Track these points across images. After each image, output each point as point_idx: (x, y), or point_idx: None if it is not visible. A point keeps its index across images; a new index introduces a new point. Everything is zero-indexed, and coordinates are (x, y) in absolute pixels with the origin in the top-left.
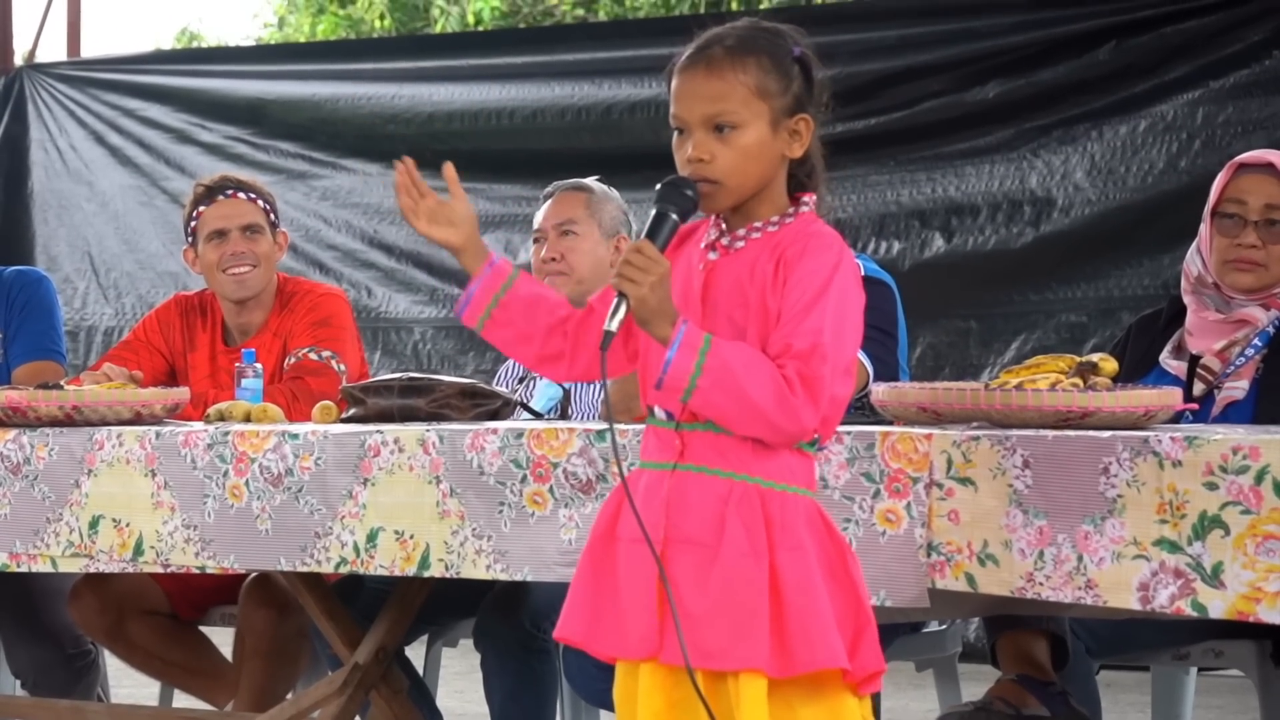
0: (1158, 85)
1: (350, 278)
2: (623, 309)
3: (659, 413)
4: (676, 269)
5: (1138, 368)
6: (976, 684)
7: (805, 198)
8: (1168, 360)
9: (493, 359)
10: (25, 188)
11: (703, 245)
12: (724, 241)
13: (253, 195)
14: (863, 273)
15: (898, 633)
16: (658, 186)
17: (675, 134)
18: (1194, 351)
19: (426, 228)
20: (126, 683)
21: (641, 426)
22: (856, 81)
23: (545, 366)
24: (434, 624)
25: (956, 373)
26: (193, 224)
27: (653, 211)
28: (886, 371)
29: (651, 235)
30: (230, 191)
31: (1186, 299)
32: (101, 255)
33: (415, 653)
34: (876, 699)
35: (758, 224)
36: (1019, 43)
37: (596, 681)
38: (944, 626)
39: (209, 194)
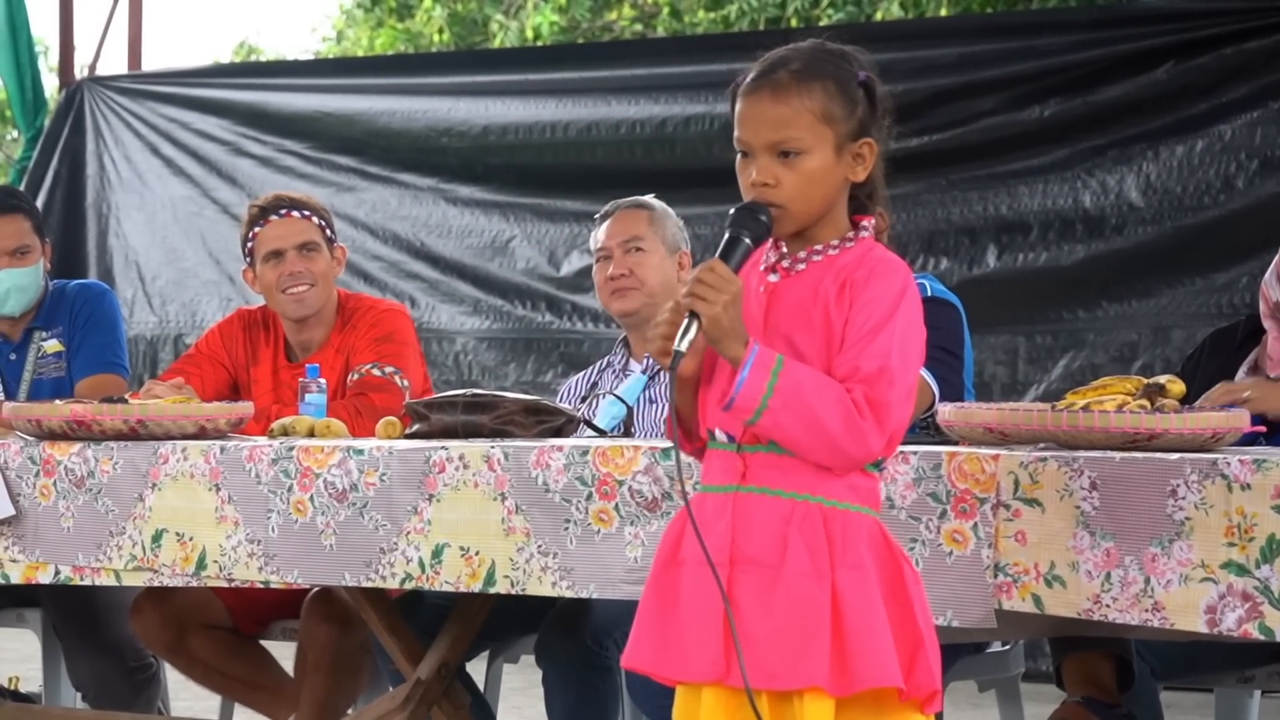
0: (1216, 106)
1: (395, 288)
2: (694, 329)
3: (720, 435)
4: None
5: (1212, 384)
6: (1038, 705)
7: (865, 221)
8: (1244, 380)
9: (534, 370)
10: (83, 199)
11: (762, 268)
12: (784, 264)
13: (307, 213)
14: (929, 293)
15: (961, 653)
16: (731, 210)
17: (740, 156)
18: (1272, 375)
19: (663, 355)
20: (186, 696)
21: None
22: (912, 99)
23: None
24: (495, 640)
25: (1004, 390)
26: (250, 244)
27: (726, 235)
28: (951, 392)
29: (724, 257)
30: (284, 211)
31: (1267, 323)
32: (148, 264)
33: (476, 669)
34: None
35: (818, 247)
36: (1077, 61)
37: (659, 697)
38: (1007, 647)
39: (263, 214)
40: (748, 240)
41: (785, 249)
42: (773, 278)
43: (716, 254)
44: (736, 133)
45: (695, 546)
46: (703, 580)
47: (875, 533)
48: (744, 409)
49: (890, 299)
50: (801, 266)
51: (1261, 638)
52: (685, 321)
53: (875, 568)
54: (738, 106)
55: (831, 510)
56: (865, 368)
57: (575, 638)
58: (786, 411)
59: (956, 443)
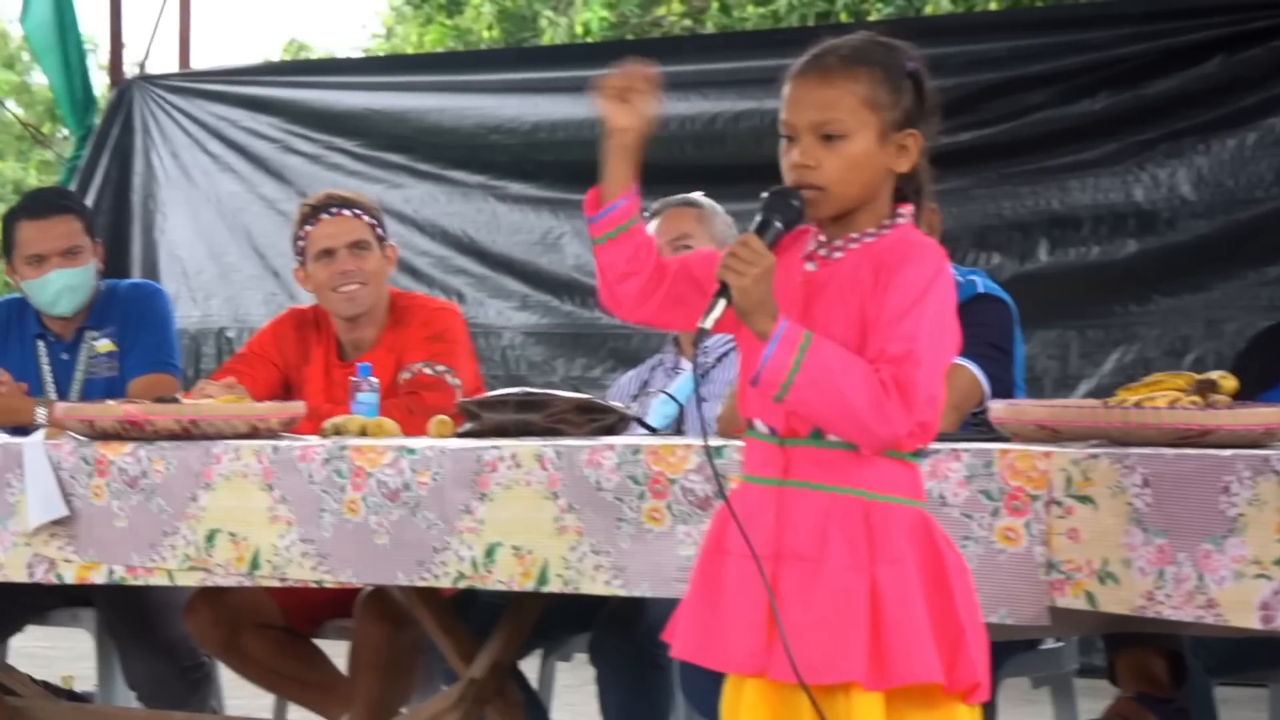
0: (1267, 98)
1: (443, 283)
2: (720, 304)
3: (761, 427)
4: (776, 274)
5: (1262, 380)
6: (1091, 701)
7: (902, 209)
8: None
9: (582, 365)
10: (131, 197)
11: (802, 255)
12: (823, 252)
13: (358, 211)
14: (980, 289)
15: (1014, 650)
16: (764, 194)
17: (783, 141)
18: None
19: (610, 102)
20: (240, 695)
21: None
22: (962, 93)
23: (629, 299)
24: (548, 639)
25: (1056, 385)
26: (301, 243)
27: (758, 217)
28: (1002, 389)
29: (757, 235)
30: (336, 209)
31: None
32: (192, 259)
33: (529, 667)
34: (989, 708)
35: (855, 234)
36: (1127, 55)
37: (712, 696)
38: (1060, 644)
39: (315, 212)
40: (779, 224)
41: (824, 236)
42: (810, 266)
43: (749, 231)
44: (782, 115)
45: (739, 537)
46: (747, 572)
47: (917, 524)
48: (770, 384)
49: (921, 282)
50: (840, 254)
51: None
52: (713, 297)
53: (916, 560)
54: (785, 90)
55: (872, 503)
56: (892, 349)
57: (629, 636)
58: (812, 388)
59: (1008, 440)
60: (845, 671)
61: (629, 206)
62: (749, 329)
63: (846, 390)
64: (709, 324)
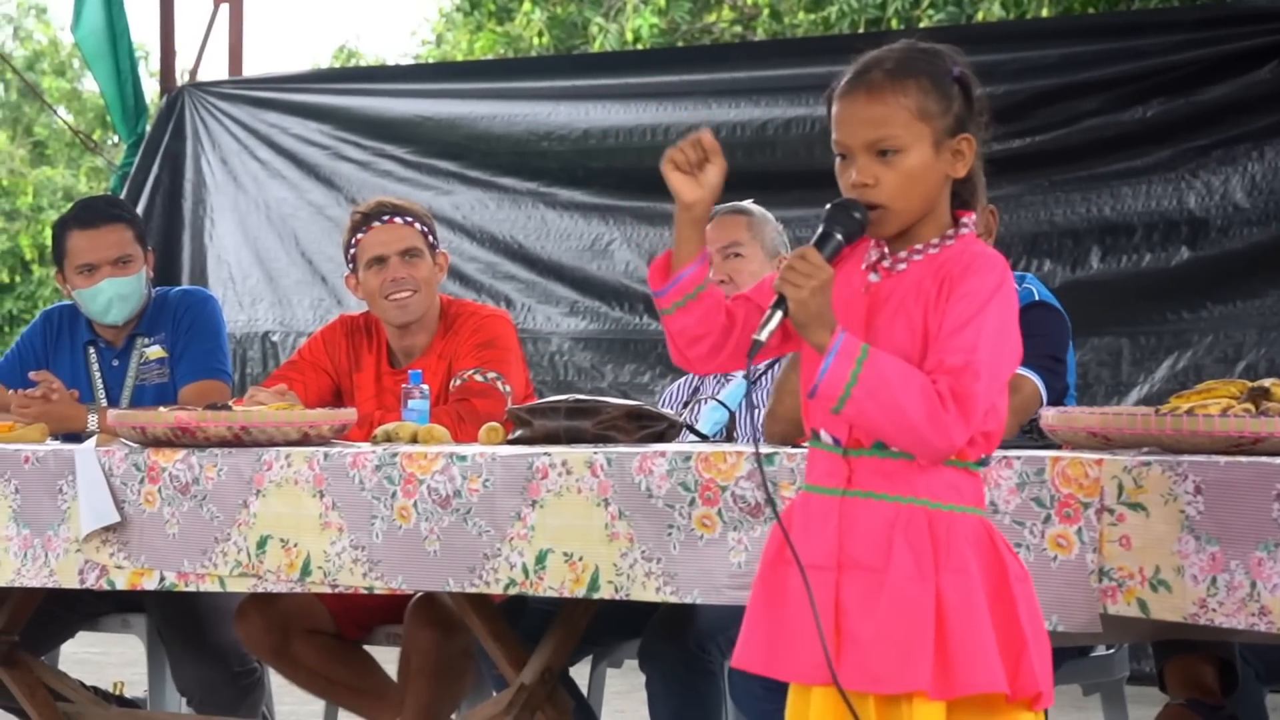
0: None
1: (491, 289)
2: (777, 316)
3: (825, 437)
4: (836, 286)
5: None
6: (1142, 709)
7: (965, 218)
8: None
9: (631, 371)
10: (181, 203)
11: (863, 266)
12: (885, 264)
13: (410, 219)
14: (1036, 298)
15: (1065, 656)
16: (827, 206)
17: (839, 160)
18: None
19: (677, 176)
20: (290, 700)
21: (805, 450)
22: (1014, 100)
23: (701, 359)
24: (598, 645)
25: (1108, 392)
26: (352, 250)
27: (819, 230)
28: (1054, 398)
29: (816, 248)
30: (387, 217)
31: None
32: (239, 263)
33: (580, 673)
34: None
35: (919, 245)
36: (1179, 61)
37: (762, 702)
38: (1112, 650)
39: (366, 220)
40: (839, 236)
41: (887, 249)
42: (873, 277)
43: (810, 244)
44: (834, 135)
45: (803, 547)
46: (811, 581)
47: (980, 533)
48: (828, 396)
49: (984, 294)
50: (903, 266)
51: None
52: (769, 310)
53: (979, 569)
54: (834, 109)
55: (936, 512)
56: (951, 360)
57: (679, 642)
58: (870, 400)
59: (1060, 447)
60: (911, 681)
61: (699, 273)
62: (806, 341)
63: (903, 402)
64: (764, 336)
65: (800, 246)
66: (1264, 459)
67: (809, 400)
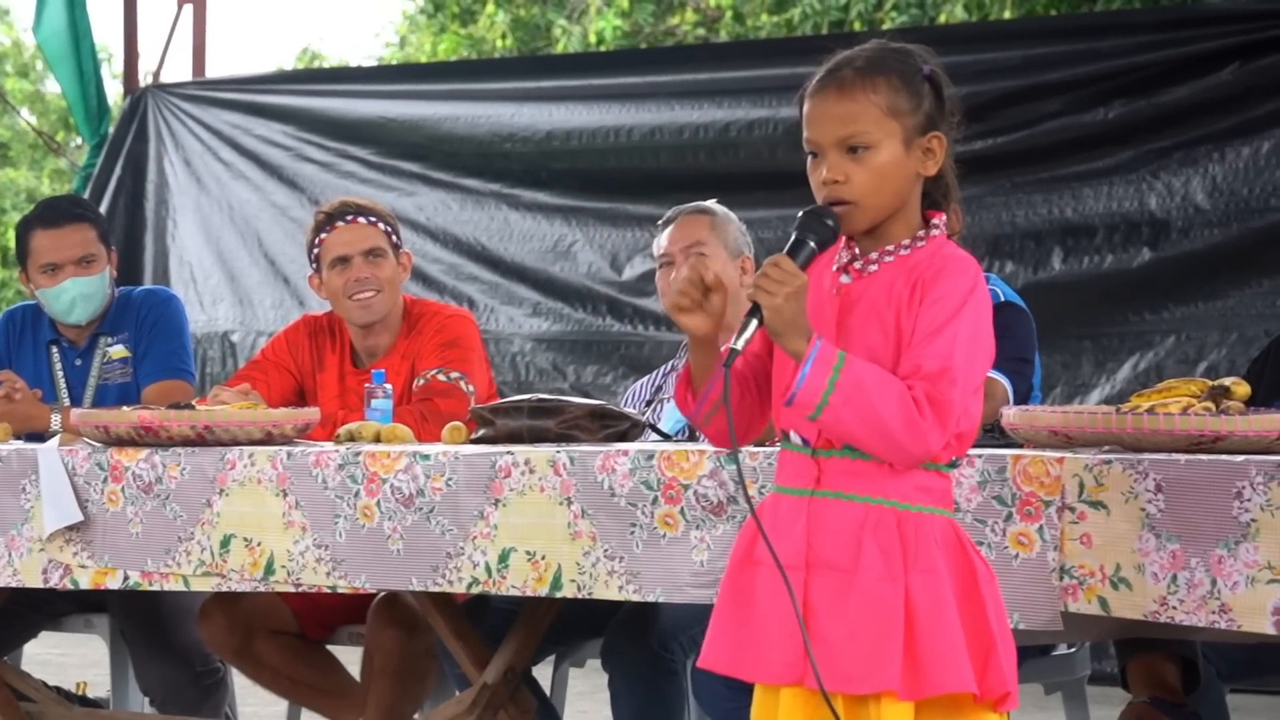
0: None
1: (454, 290)
2: (752, 325)
3: (794, 438)
4: (810, 290)
5: (1276, 387)
6: (1103, 708)
7: (936, 219)
8: None
9: (593, 372)
10: (144, 204)
11: (834, 268)
12: (857, 265)
13: (373, 219)
14: (1002, 298)
15: (1027, 655)
16: (799, 214)
17: (809, 158)
18: None
19: (681, 313)
20: (253, 701)
21: (771, 450)
22: (977, 101)
23: (745, 438)
24: (561, 644)
25: (1069, 392)
26: (316, 250)
27: (792, 236)
28: (1018, 399)
29: (789, 256)
30: (351, 217)
31: None
32: (201, 264)
33: (542, 673)
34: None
35: (890, 246)
36: (1141, 63)
37: (725, 701)
38: (1073, 649)
39: (329, 220)
40: (812, 244)
41: (858, 249)
42: (845, 279)
43: (783, 252)
44: (805, 134)
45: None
46: (778, 581)
47: (949, 534)
48: (805, 404)
49: (958, 297)
50: (874, 268)
51: None
52: (745, 318)
53: (948, 570)
54: (805, 108)
55: (905, 513)
56: (927, 366)
57: (641, 642)
58: (847, 408)
59: (1021, 445)
60: (881, 681)
61: (720, 380)
62: (782, 349)
63: (880, 409)
64: (741, 345)
65: (774, 254)
66: (1224, 457)
67: (785, 407)
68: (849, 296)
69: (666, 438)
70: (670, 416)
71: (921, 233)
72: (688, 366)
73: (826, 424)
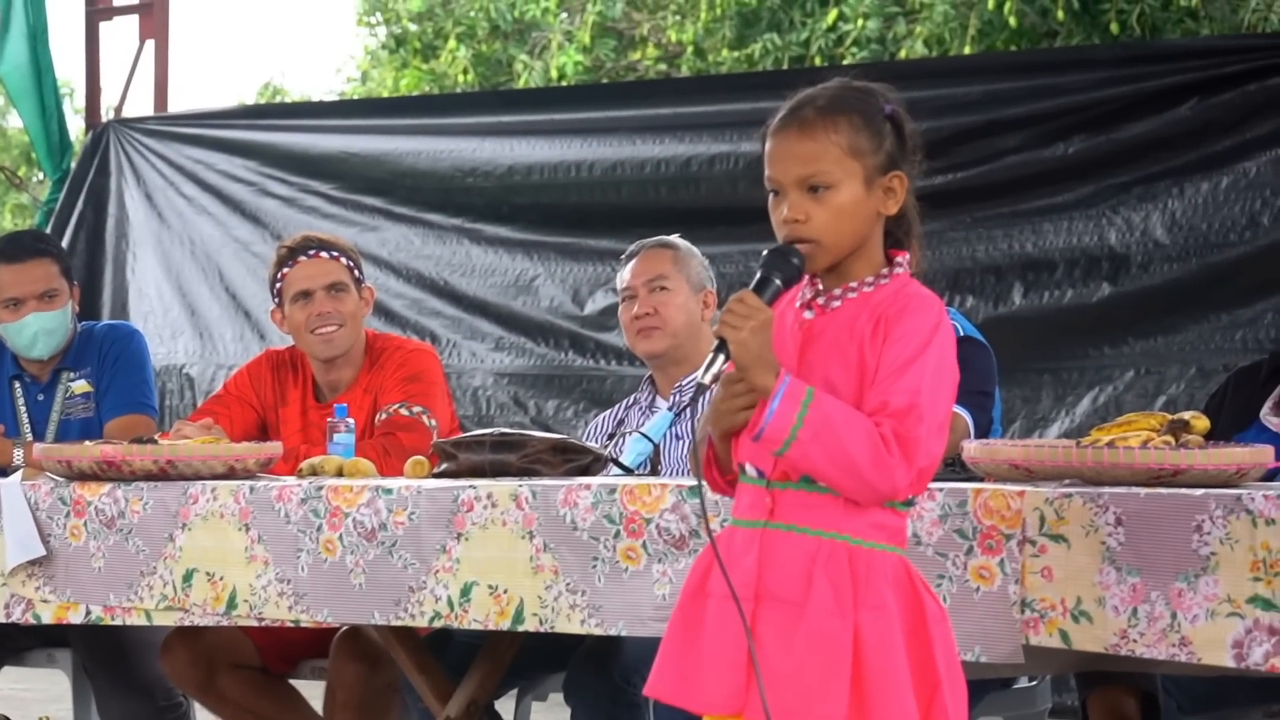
0: (1240, 142)
1: (416, 324)
2: (720, 360)
3: (750, 470)
4: (773, 325)
5: (1237, 422)
6: None
7: (899, 257)
8: (1268, 416)
9: (554, 406)
10: (104, 239)
11: (798, 304)
12: (820, 301)
13: (335, 253)
14: (962, 333)
15: (988, 688)
16: (764, 252)
17: (771, 195)
18: None
19: None
20: None
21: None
22: (937, 136)
23: None
24: (523, 678)
25: (1029, 426)
26: (278, 285)
27: (757, 275)
28: (979, 432)
29: (755, 292)
30: (313, 251)
31: None
32: (160, 296)
33: (505, 707)
34: None
35: (854, 284)
36: (1101, 99)
37: None
38: (1034, 683)
39: (291, 255)
40: (778, 281)
41: (821, 285)
42: (808, 314)
43: (749, 288)
44: (767, 172)
45: (722, 579)
46: (728, 613)
47: (900, 571)
48: (773, 440)
49: (923, 335)
50: (837, 303)
51: None
52: (711, 353)
53: (898, 607)
54: (767, 146)
55: (857, 549)
56: (895, 403)
57: (603, 675)
58: (815, 444)
59: (982, 479)
60: (826, 715)
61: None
62: (749, 383)
63: (849, 446)
64: (708, 379)
65: (739, 290)
66: (1184, 490)
67: (752, 442)
68: (811, 331)
69: (629, 471)
70: (632, 450)
71: (885, 270)
72: (709, 446)
73: (794, 459)
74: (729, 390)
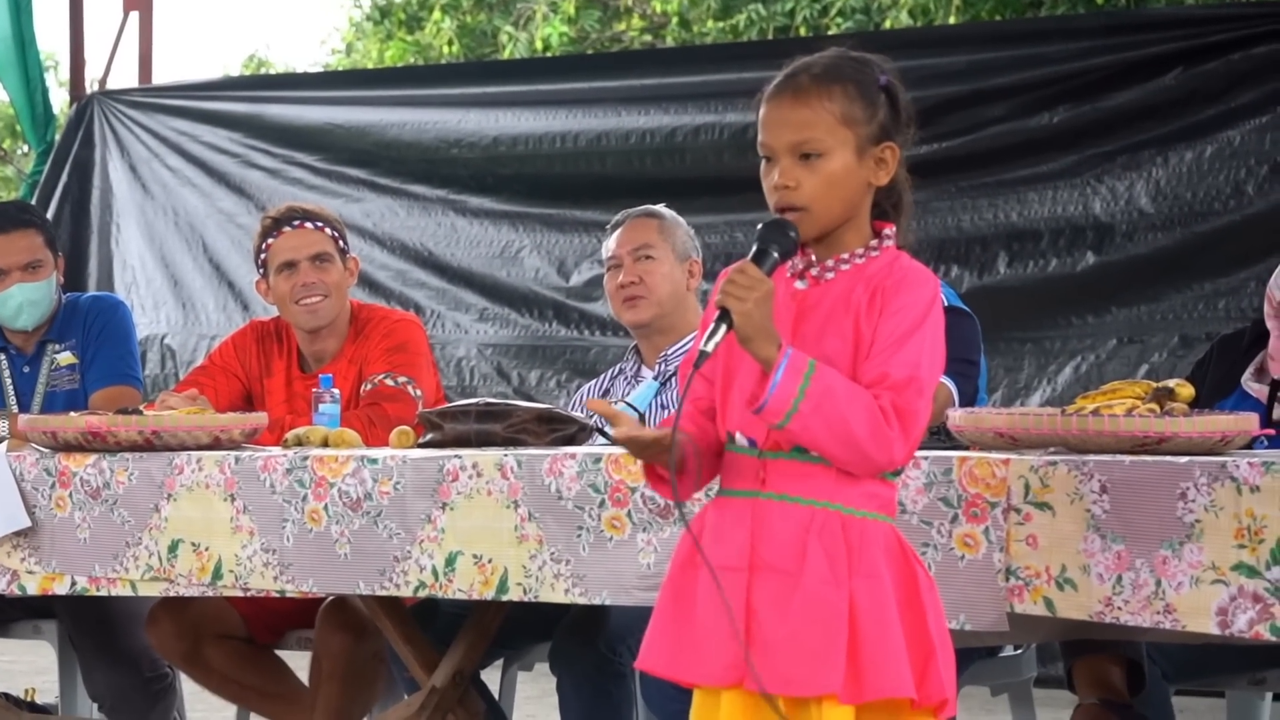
0: (1224, 111)
1: (401, 296)
2: (722, 329)
3: (741, 439)
4: None
5: (1219, 389)
6: (1050, 710)
7: (886, 229)
8: (1249, 383)
9: (538, 377)
10: (89, 210)
11: (789, 274)
12: (813, 272)
13: (320, 224)
14: (947, 303)
15: (973, 657)
16: (759, 226)
17: (763, 161)
18: (1276, 376)
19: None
20: (201, 706)
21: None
22: (921, 106)
23: None
24: (510, 647)
25: (1010, 395)
26: (263, 256)
27: (754, 247)
28: (965, 402)
29: (754, 263)
30: (298, 222)
31: (1270, 324)
32: (143, 268)
33: (491, 676)
34: None
35: (845, 255)
36: (1086, 68)
37: (674, 703)
38: (1020, 651)
39: (276, 225)
40: (775, 253)
41: (813, 257)
42: (800, 284)
43: (747, 259)
44: (760, 137)
45: (713, 549)
46: (722, 583)
47: (891, 540)
48: (775, 412)
49: (920, 308)
50: (831, 275)
51: (1273, 639)
52: (714, 322)
53: (891, 576)
54: (761, 112)
55: (850, 518)
56: (895, 375)
57: (589, 645)
58: (816, 416)
59: (967, 447)
60: (823, 684)
61: (689, 463)
62: (751, 354)
63: (849, 417)
64: (710, 347)
65: (735, 262)
66: (1168, 458)
67: (754, 415)
68: (805, 302)
69: (613, 441)
70: None
71: (874, 242)
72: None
73: (794, 431)
74: (631, 448)
